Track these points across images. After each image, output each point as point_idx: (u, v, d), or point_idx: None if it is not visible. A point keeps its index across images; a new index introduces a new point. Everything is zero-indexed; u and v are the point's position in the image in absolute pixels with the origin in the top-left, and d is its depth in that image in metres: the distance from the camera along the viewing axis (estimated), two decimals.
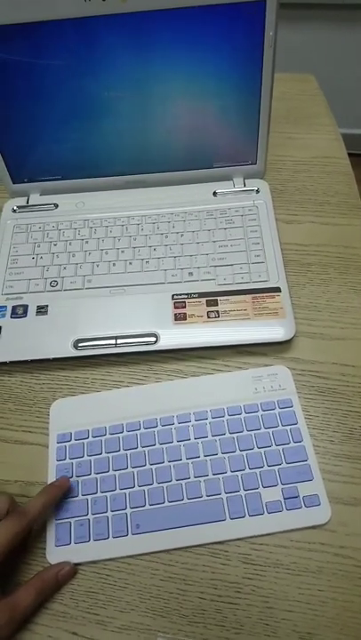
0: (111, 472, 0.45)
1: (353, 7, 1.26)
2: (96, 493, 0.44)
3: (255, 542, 0.42)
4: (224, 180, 0.61)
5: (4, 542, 0.37)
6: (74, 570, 0.41)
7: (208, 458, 0.45)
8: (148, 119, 0.55)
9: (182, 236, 0.58)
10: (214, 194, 0.61)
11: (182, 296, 0.53)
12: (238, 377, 0.49)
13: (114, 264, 0.56)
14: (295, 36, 1.32)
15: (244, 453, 0.45)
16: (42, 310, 0.54)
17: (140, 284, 0.55)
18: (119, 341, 0.51)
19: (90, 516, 0.43)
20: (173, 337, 0.51)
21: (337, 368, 0.50)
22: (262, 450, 0.45)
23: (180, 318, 0.52)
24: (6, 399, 0.51)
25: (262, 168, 0.60)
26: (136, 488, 0.44)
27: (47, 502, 0.41)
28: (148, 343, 0.51)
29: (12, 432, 0.49)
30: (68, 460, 0.45)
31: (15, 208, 0.62)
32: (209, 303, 0.53)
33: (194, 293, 0.53)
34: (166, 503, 0.43)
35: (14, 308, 0.54)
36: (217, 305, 0.52)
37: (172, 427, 0.46)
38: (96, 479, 0.44)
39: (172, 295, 0.53)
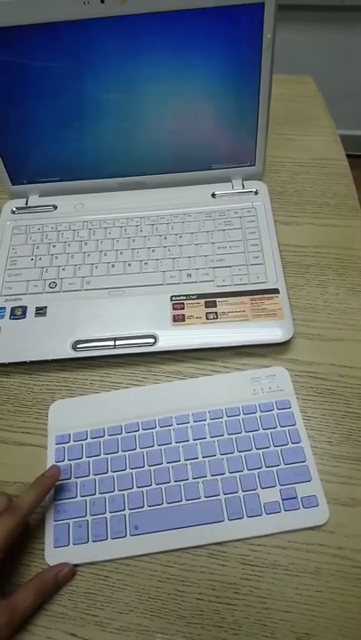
0: (110, 473, 0.45)
1: (351, 9, 1.27)
2: (95, 494, 0.44)
3: (253, 543, 0.42)
4: (223, 181, 0.61)
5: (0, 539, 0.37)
6: (73, 571, 0.41)
7: (206, 459, 0.45)
8: (146, 121, 0.55)
9: (181, 237, 0.58)
10: (213, 195, 0.61)
11: (181, 297, 0.53)
12: (237, 378, 0.49)
13: (113, 265, 0.56)
14: (293, 38, 1.32)
15: (242, 454, 0.45)
16: (41, 311, 0.54)
17: (139, 286, 0.55)
18: (118, 343, 0.51)
19: (88, 518, 0.43)
20: (172, 338, 0.51)
21: (335, 369, 0.50)
22: (261, 451, 0.45)
23: (178, 319, 0.52)
24: (5, 400, 0.51)
25: (261, 170, 0.61)
26: (135, 489, 0.44)
27: (39, 494, 0.41)
28: (146, 344, 0.51)
29: (10, 433, 0.49)
30: (66, 462, 0.45)
31: (14, 209, 0.62)
32: (207, 304, 0.53)
33: (192, 295, 0.53)
34: (165, 504, 0.43)
35: (13, 309, 0.54)
36: (215, 306, 0.53)
37: (171, 428, 0.46)
38: (95, 480, 0.44)
39: (171, 296, 0.53)
